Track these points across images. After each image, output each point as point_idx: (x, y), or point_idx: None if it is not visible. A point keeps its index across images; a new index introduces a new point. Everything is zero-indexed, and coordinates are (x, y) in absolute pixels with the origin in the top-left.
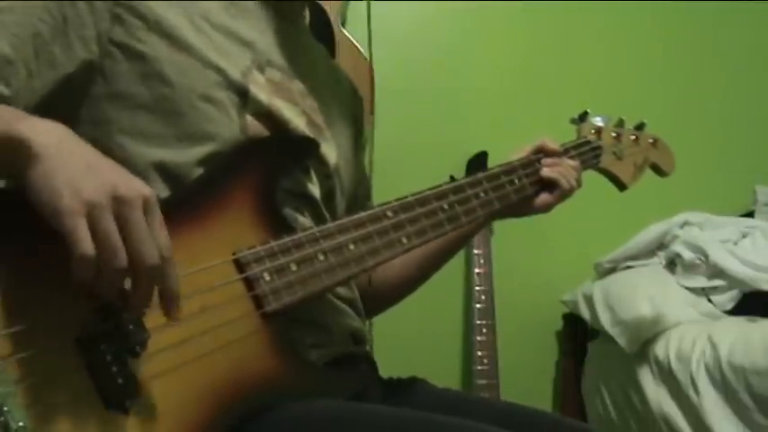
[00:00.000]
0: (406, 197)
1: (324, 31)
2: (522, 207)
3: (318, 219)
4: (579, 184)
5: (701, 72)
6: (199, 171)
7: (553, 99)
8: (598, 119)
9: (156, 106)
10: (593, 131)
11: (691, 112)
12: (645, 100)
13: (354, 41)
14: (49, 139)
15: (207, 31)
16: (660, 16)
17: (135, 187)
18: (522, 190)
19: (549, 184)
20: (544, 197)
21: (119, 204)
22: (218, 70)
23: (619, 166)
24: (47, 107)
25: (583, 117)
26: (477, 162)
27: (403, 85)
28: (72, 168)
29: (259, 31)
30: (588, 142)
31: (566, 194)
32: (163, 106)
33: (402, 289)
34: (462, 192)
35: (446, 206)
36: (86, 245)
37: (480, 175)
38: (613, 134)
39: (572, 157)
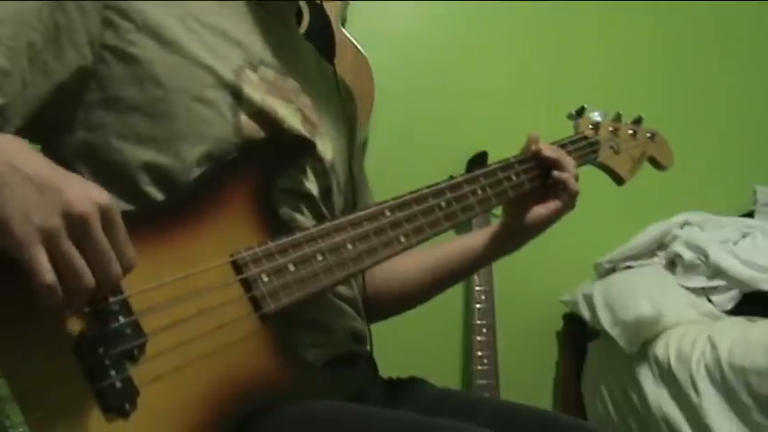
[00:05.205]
0: (403, 195)
1: (324, 31)
2: (521, 226)
3: (317, 216)
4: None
5: (701, 72)
6: (193, 173)
7: (553, 99)
8: (596, 114)
9: (149, 108)
10: (590, 127)
11: (691, 111)
12: (645, 100)
13: (354, 41)
14: None
15: (198, 30)
16: (660, 16)
17: (91, 200)
18: (521, 186)
19: (550, 188)
20: (538, 210)
21: (75, 224)
22: (211, 70)
23: (616, 160)
24: (41, 115)
25: (580, 112)
26: (478, 162)
27: (403, 85)
28: (21, 193)
29: (250, 30)
30: (585, 138)
31: (569, 203)
32: (156, 108)
33: (409, 302)
34: (459, 189)
35: (443, 204)
36: (47, 275)
37: (478, 171)
38: (610, 128)
39: (569, 153)
